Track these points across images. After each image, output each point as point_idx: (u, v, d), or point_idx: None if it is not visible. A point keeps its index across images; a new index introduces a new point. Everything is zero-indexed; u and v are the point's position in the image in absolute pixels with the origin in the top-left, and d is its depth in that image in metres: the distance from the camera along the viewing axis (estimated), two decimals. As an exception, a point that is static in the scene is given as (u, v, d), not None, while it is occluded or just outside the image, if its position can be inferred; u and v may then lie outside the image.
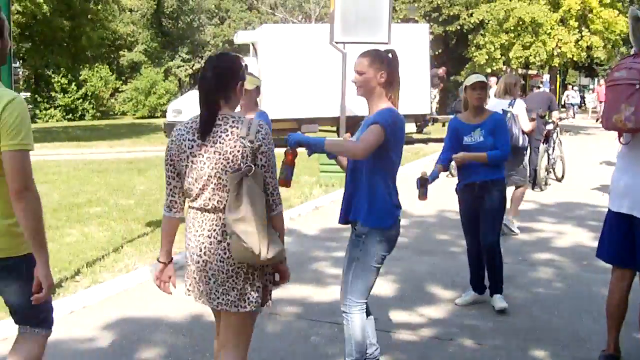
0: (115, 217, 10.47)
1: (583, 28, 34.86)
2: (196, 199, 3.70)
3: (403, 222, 10.54)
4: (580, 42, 34.56)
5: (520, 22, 34.10)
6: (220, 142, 3.61)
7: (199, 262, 3.73)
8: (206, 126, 3.65)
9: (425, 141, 25.02)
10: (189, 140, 3.68)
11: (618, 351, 5.26)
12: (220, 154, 3.61)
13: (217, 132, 3.63)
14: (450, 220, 10.96)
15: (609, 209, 5.20)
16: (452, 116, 18.93)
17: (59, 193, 13.03)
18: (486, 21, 35.48)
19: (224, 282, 3.69)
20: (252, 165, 3.59)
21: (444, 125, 28.59)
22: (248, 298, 3.73)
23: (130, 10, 47.02)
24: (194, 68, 50.85)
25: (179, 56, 50.52)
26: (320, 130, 23.07)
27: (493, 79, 26.51)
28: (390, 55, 4.58)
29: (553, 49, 34.20)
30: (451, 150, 6.68)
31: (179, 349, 5.65)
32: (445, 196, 13.04)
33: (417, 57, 22.60)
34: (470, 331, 6.08)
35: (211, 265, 3.70)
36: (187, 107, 22.46)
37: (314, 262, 8.19)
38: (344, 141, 4.75)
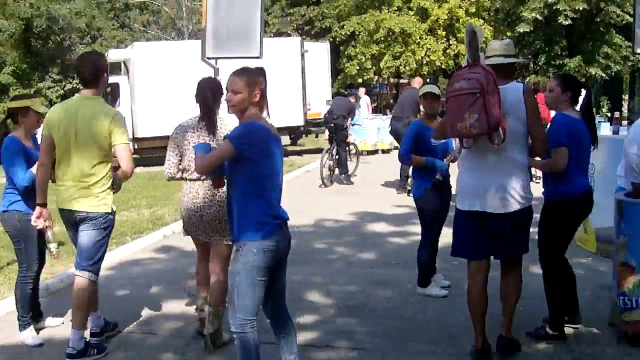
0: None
1: (451, 37, 35.97)
2: (193, 172, 5.60)
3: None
4: (448, 51, 35.63)
5: (390, 33, 34.88)
6: (221, 136, 5.57)
7: (195, 215, 5.77)
8: (212, 125, 5.77)
9: (299, 153, 25.21)
10: (191, 132, 5.79)
11: (487, 344, 5.50)
12: (213, 142, 5.58)
13: (219, 130, 5.75)
14: (327, 228, 11.11)
15: (458, 210, 5.58)
16: (323, 127, 19.27)
17: None
18: (357, 33, 36.08)
19: (215, 226, 5.76)
20: None
21: (317, 137, 28.89)
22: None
23: (-3, 31, 45.40)
24: (65, 89, 49.48)
25: (50, 77, 48.98)
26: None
27: (362, 89, 27.04)
28: (262, 73, 4.66)
29: (422, 57, 35.11)
30: (413, 152, 7.26)
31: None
32: (322, 205, 13.25)
33: (290, 70, 22.72)
34: (346, 336, 6.17)
35: (206, 217, 5.75)
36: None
37: (191, 278, 8.11)
38: (203, 155, 4.71)
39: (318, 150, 22.21)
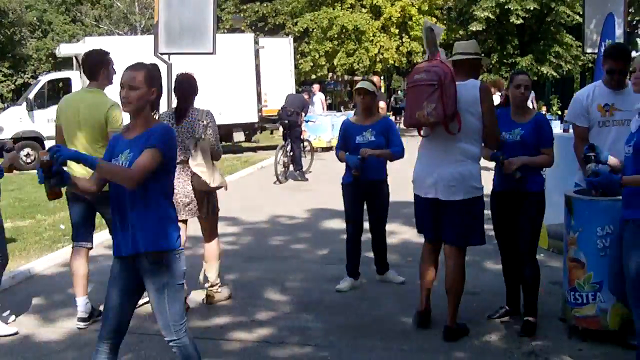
0: None
1: (403, 35, 36.18)
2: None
3: (235, 229, 10.61)
4: (401, 48, 35.83)
5: (344, 30, 34.97)
6: (187, 123, 6.57)
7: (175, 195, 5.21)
8: (181, 116, 6.60)
9: (254, 149, 25.14)
10: (169, 123, 6.45)
11: (429, 308, 6.09)
12: (186, 130, 6.54)
13: (187, 118, 6.59)
14: (283, 225, 11.10)
15: (417, 195, 5.98)
16: (278, 124, 19.28)
17: None
18: (311, 29, 36.11)
19: (189, 203, 6.63)
20: (203, 135, 6.54)
21: (272, 133, 28.86)
22: (209, 210, 6.85)
23: (-55, 25, 44.53)
24: (16, 83, 48.72)
25: (0, 71, 48.30)
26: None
27: (316, 86, 27.06)
28: (158, 70, 4.44)
29: (375, 55, 35.26)
30: (342, 148, 7.42)
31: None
32: (277, 202, 13.24)
33: (244, 66, 22.60)
34: (301, 333, 6.18)
35: (180, 195, 6.47)
36: (8, 123, 21.47)
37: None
38: (117, 167, 4.17)
39: (273, 147, 22.14)
